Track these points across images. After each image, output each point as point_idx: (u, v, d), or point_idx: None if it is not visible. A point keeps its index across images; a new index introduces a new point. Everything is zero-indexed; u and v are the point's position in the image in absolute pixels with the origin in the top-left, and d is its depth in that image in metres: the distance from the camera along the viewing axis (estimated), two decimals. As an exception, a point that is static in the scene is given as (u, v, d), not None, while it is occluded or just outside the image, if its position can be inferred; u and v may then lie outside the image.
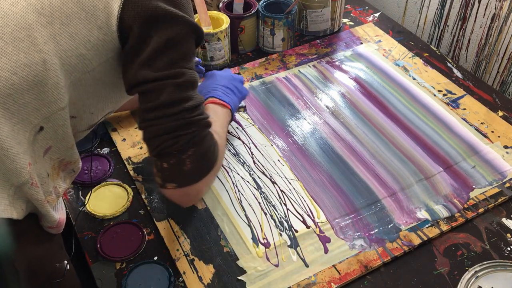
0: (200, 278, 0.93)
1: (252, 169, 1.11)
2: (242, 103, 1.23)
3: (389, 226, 1.00)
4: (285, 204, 1.04)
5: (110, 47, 0.77)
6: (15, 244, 0.76)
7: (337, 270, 0.93)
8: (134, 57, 0.77)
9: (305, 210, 1.03)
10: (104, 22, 0.74)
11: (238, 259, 0.96)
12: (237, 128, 1.21)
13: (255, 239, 0.98)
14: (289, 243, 0.98)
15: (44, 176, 0.78)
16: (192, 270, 0.94)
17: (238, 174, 1.10)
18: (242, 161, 1.13)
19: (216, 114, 0.99)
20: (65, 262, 0.87)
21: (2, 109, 0.70)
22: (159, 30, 0.76)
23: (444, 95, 1.28)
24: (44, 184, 0.79)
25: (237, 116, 1.24)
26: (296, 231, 1.00)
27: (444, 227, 1.00)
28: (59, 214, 0.83)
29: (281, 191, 1.07)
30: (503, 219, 1.02)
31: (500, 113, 1.23)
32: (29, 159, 0.74)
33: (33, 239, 0.80)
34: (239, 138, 1.18)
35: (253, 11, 1.39)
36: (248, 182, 1.09)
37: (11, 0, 0.71)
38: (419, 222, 1.01)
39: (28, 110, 0.72)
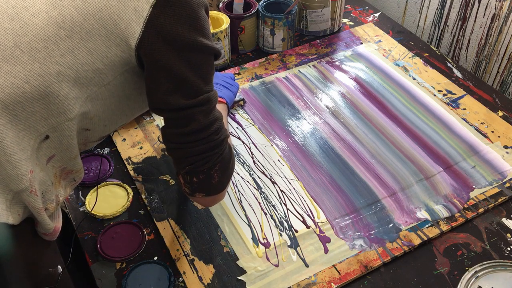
0: (200, 278, 0.93)
1: (252, 169, 1.11)
2: (240, 96, 1.25)
3: (389, 226, 1.00)
4: (285, 204, 1.04)
5: (126, 62, 0.77)
6: (9, 247, 0.76)
7: (337, 270, 0.93)
8: (160, 82, 0.77)
9: (305, 210, 1.03)
10: (124, 41, 0.74)
11: (238, 259, 0.96)
12: (237, 128, 1.21)
13: (255, 239, 0.98)
14: (289, 243, 0.98)
15: (48, 184, 0.78)
16: (192, 270, 0.94)
17: (238, 174, 1.10)
18: (242, 161, 1.13)
19: None
20: (59, 267, 0.86)
21: (10, 116, 0.70)
22: (183, 57, 0.76)
23: (444, 95, 1.28)
24: (48, 192, 0.78)
25: (237, 116, 1.24)
26: (296, 231, 1.00)
27: (444, 227, 1.00)
28: (55, 222, 0.82)
29: (281, 191, 1.07)
30: (503, 219, 1.02)
31: (500, 113, 1.23)
32: (31, 167, 0.74)
33: (27, 242, 0.80)
34: (239, 138, 1.18)
35: (253, 11, 1.39)
36: (248, 182, 1.09)
37: (32, 11, 0.71)
38: (419, 222, 1.01)
39: (36, 119, 0.72)
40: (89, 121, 0.80)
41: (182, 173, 0.84)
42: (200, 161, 0.81)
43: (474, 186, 1.07)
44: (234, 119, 1.23)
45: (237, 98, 1.23)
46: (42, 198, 0.77)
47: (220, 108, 1.04)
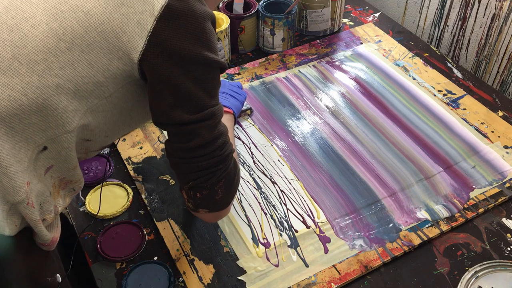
0: (200, 278, 0.93)
1: (252, 169, 1.11)
2: (248, 105, 1.23)
3: (389, 226, 1.00)
4: (285, 204, 1.04)
5: (128, 75, 0.75)
6: (8, 256, 0.75)
7: (337, 270, 0.93)
8: (163, 96, 0.75)
9: (305, 210, 1.03)
10: (126, 54, 0.72)
11: (238, 259, 0.96)
12: (237, 128, 1.21)
13: (255, 239, 0.98)
14: (289, 243, 0.98)
15: (47, 195, 0.77)
16: (192, 270, 0.94)
17: (238, 174, 1.10)
18: (242, 161, 1.13)
19: None
20: (58, 275, 0.85)
21: (6, 128, 0.69)
22: (188, 71, 0.74)
23: (444, 95, 1.28)
24: (46, 203, 0.77)
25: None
26: (296, 231, 1.00)
27: (444, 227, 1.00)
28: (53, 232, 0.81)
29: (281, 191, 1.07)
30: (503, 219, 1.02)
31: (500, 113, 1.23)
32: (27, 178, 0.73)
33: (24, 252, 0.79)
34: (239, 138, 1.18)
35: (253, 11, 1.39)
36: (248, 182, 1.09)
37: (32, 22, 0.70)
38: (419, 222, 1.01)
39: (33, 130, 0.71)
40: (90, 133, 0.78)
41: (185, 189, 0.83)
42: (203, 177, 0.80)
43: (474, 186, 1.07)
44: (237, 122, 1.22)
45: (244, 107, 1.22)
46: (40, 209, 0.76)
47: (227, 118, 1.02)
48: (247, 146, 1.17)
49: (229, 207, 0.87)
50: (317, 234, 0.99)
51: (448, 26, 1.49)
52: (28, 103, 0.69)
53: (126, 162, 1.13)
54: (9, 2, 0.71)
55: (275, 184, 1.08)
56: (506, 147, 1.15)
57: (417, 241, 0.97)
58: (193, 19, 0.73)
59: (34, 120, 0.71)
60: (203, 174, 0.80)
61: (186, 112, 0.76)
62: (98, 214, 1.02)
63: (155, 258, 0.96)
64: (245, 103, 1.22)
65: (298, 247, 0.97)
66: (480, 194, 1.05)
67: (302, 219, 1.02)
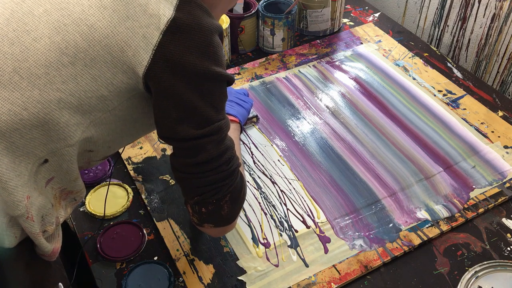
0: (200, 278, 0.93)
1: (252, 169, 1.11)
2: (254, 113, 1.21)
3: (389, 226, 1.00)
4: (285, 204, 1.04)
5: (133, 88, 0.73)
6: (10, 265, 0.75)
7: (337, 270, 0.93)
8: (168, 110, 0.74)
9: (305, 210, 1.03)
10: (131, 68, 0.71)
11: (238, 259, 0.96)
12: (237, 128, 1.21)
13: (255, 239, 0.99)
14: (289, 243, 0.98)
15: (49, 207, 0.77)
16: (192, 270, 0.94)
17: (238, 174, 1.10)
18: (242, 161, 1.13)
19: None
20: (60, 284, 0.84)
21: (7, 142, 0.68)
22: (194, 86, 0.72)
23: (444, 95, 1.28)
24: (48, 215, 0.77)
25: (237, 116, 1.23)
26: (296, 231, 1.00)
27: (444, 227, 1.00)
28: (54, 243, 0.80)
29: (281, 191, 1.07)
30: (503, 219, 1.02)
31: (500, 113, 1.23)
32: (28, 192, 0.72)
33: (25, 262, 0.78)
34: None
35: (253, 11, 1.39)
36: (248, 182, 1.09)
37: (34, 35, 0.68)
38: (419, 222, 1.01)
39: (34, 144, 0.70)
40: (93, 144, 0.77)
41: (190, 203, 0.81)
42: (209, 192, 0.79)
43: (474, 186, 1.07)
44: (243, 130, 1.22)
45: (250, 115, 1.20)
46: (41, 221, 0.76)
47: (233, 128, 1.01)
48: (247, 146, 1.17)
49: (235, 221, 0.86)
50: (317, 234, 0.99)
51: (448, 26, 1.49)
52: (29, 117, 0.68)
53: (126, 162, 1.13)
54: (11, 15, 0.70)
55: (275, 184, 1.08)
56: (506, 147, 1.15)
57: (417, 241, 0.97)
58: (200, 33, 0.71)
59: (35, 135, 0.70)
60: (208, 189, 0.79)
61: (192, 127, 0.74)
62: (98, 214, 1.02)
63: (155, 258, 0.96)
64: (251, 110, 1.20)
65: (298, 247, 0.97)
66: (480, 194, 1.05)
67: (302, 219, 1.02)
